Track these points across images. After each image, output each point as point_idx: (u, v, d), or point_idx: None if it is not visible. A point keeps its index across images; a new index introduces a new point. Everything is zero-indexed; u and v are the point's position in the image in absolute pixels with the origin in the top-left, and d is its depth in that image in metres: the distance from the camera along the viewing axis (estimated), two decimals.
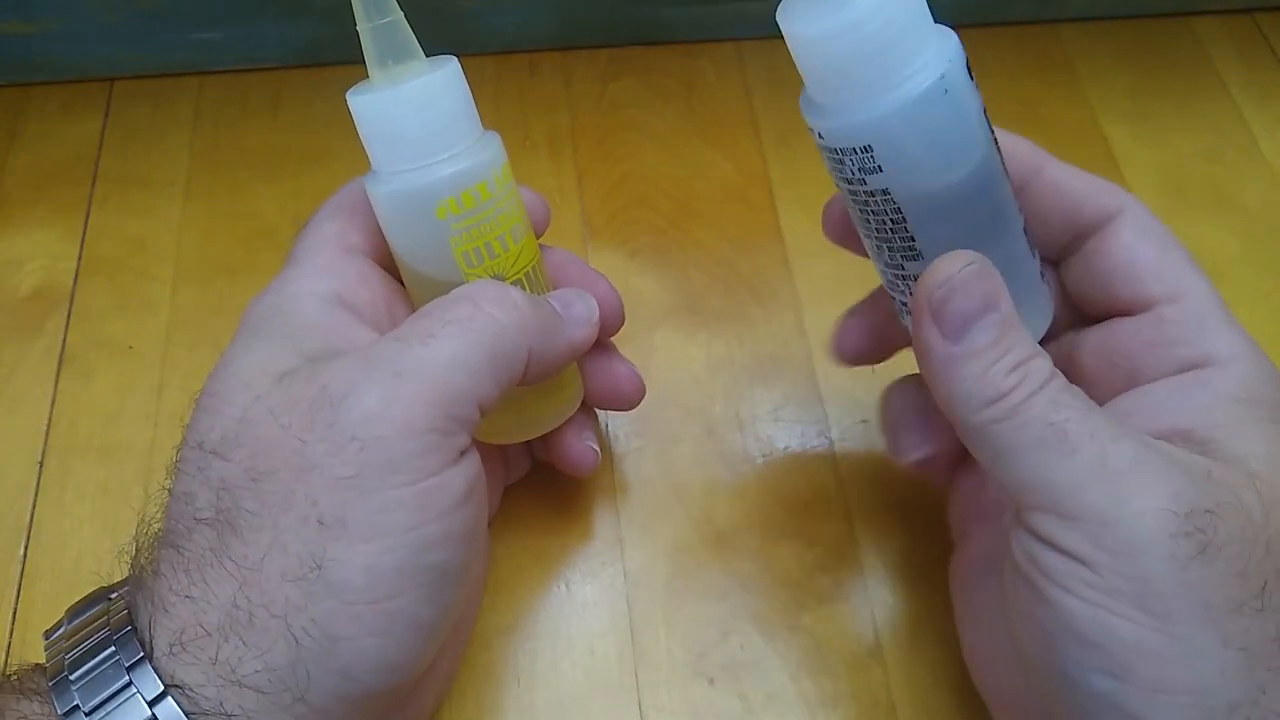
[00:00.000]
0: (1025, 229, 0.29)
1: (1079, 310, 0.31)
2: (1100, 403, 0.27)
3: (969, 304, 0.25)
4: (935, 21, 0.26)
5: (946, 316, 0.26)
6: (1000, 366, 0.25)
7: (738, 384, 0.41)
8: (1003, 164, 0.28)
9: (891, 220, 0.28)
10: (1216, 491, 0.23)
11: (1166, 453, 0.24)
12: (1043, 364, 0.25)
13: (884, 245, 0.29)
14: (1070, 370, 0.30)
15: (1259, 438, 0.25)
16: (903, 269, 0.29)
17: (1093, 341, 0.30)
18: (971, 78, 0.26)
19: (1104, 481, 0.23)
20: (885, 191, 0.27)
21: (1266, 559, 0.23)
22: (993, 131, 0.27)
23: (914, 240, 0.28)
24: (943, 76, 0.25)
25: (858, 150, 0.26)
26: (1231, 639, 0.22)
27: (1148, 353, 0.28)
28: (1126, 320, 0.29)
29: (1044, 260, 0.30)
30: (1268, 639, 0.23)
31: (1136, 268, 0.28)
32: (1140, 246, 0.29)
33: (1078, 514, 0.24)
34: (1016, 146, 0.29)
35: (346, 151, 0.47)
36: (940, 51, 0.26)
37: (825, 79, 0.27)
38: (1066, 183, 0.29)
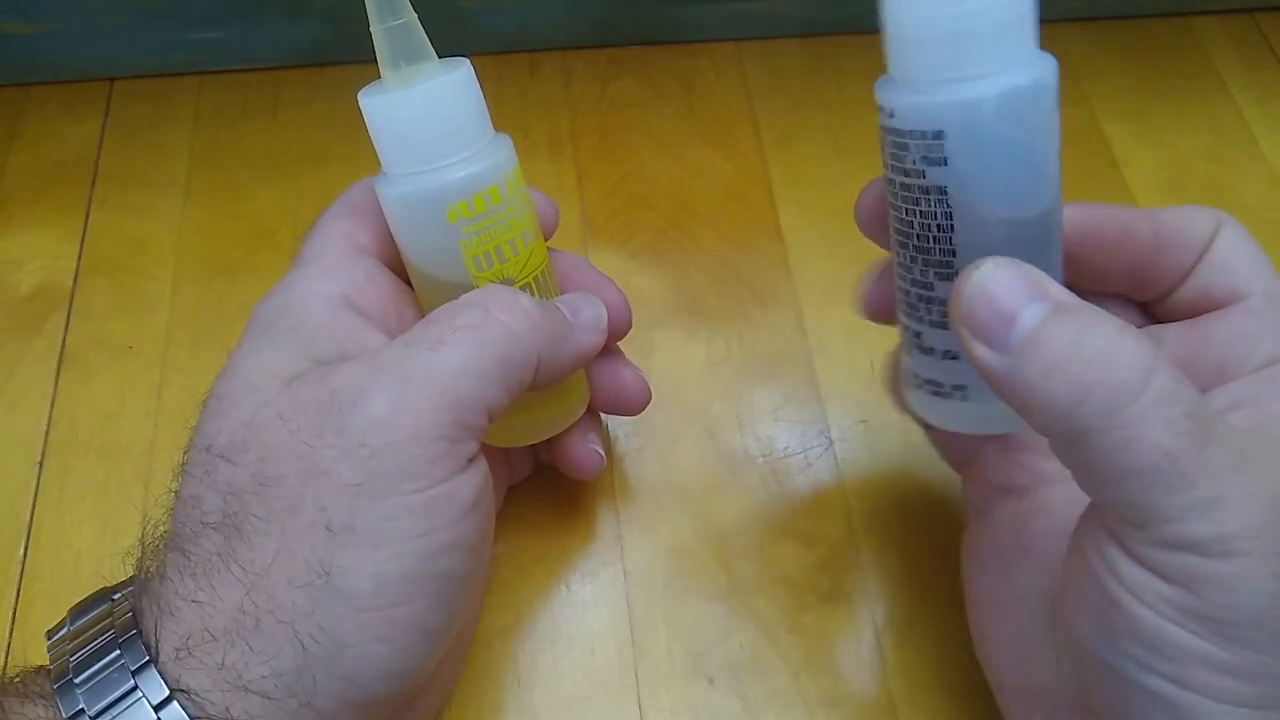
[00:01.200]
0: None
1: (1152, 313, 0.29)
2: None
3: (996, 306, 0.23)
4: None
5: (981, 324, 0.24)
6: (1070, 358, 0.22)
7: (738, 384, 0.41)
8: (1062, 216, 0.27)
9: (938, 226, 0.26)
10: None
11: (1273, 482, 0.22)
12: (1136, 353, 0.22)
13: (919, 256, 0.27)
14: None
15: None
16: (931, 289, 0.27)
17: (1177, 335, 0.28)
18: (1057, 109, 0.25)
19: (1216, 516, 0.22)
20: (943, 190, 0.25)
21: None
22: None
23: (954, 255, 0.26)
24: (1036, 81, 0.24)
25: (928, 136, 0.25)
26: None
27: (1237, 343, 0.27)
28: (1214, 314, 0.27)
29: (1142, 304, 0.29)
30: None
31: (1233, 264, 0.27)
32: (1238, 245, 0.28)
33: (1177, 544, 0.22)
34: (1136, 224, 0.28)
35: (346, 151, 0.48)
36: (1040, 60, 0.25)
37: (916, 52, 0.25)
38: (1179, 228, 0.28)
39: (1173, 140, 0.49)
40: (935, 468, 0.37)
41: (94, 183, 0.47)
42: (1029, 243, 0.26)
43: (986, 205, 0.25)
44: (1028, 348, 0.23)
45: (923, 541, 0.37)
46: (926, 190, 0.25)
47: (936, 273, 0.26)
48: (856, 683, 0.34)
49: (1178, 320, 0.28)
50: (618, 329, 0.33)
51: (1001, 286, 0.24)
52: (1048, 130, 0.25)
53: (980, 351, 0.24)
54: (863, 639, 0.35)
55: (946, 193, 0.25)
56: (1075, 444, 0.23)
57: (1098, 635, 0.24)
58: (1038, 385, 0.23)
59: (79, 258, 0.45)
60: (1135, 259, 0.28)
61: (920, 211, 0.26)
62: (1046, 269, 0.25)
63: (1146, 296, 0.29)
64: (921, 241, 0.26)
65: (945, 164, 0.25)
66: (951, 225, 0.26)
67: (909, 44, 0.25)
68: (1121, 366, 0.22)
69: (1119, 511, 0.23)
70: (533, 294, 0.30)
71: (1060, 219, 0.27)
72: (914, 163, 0.25)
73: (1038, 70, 0.24)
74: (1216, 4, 0.53)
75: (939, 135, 0.25)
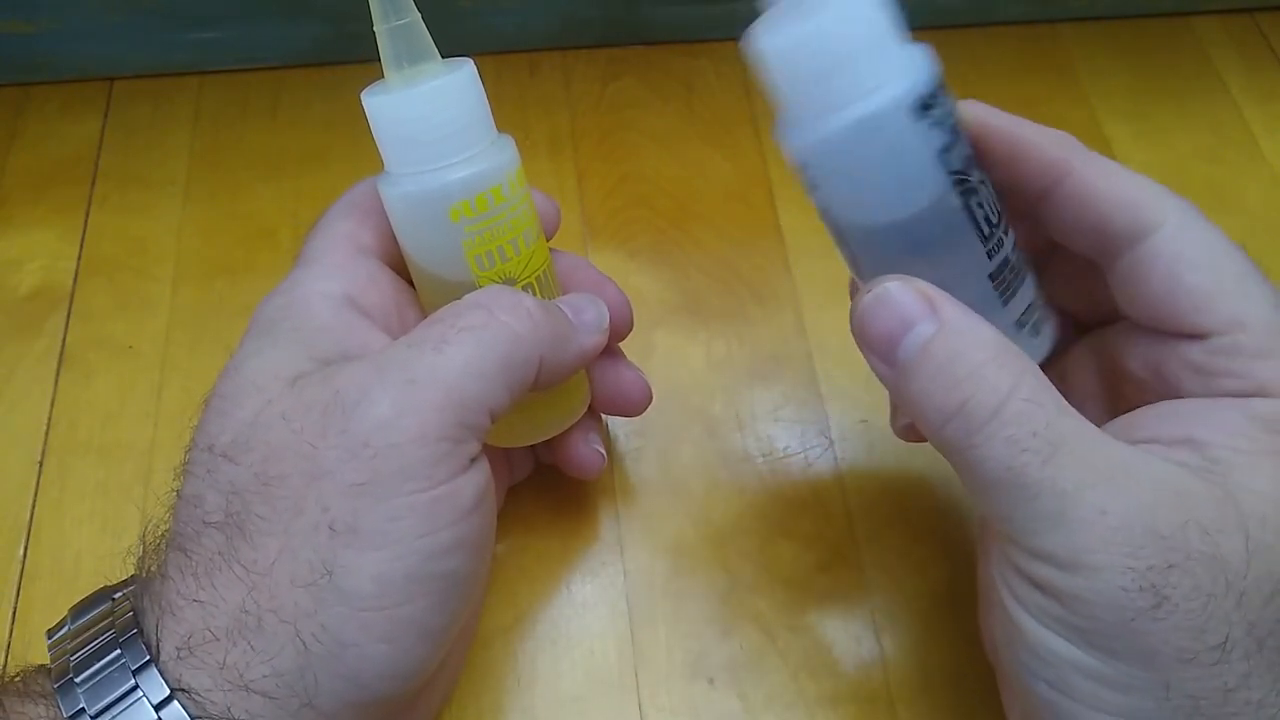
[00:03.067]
0: (1004, 266, 0.28)
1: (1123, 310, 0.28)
2: (1140, 406, 0.27)
3: (884, 325, 0.25)
4: (912, 41, 0.26)
5: (870, 341, 0.26)
6: (938, 383, 0.24)
7: (738, 384, 0.41)
8: (970, 202, 0.27)
9: (836, 237, 0.28)
10: (1189, 543, 0.22)
11: (1139, 499, 0.23)
12: (997, 379, 0.24)
13: (843, 257, 0.29)
14: (1114, 369, 0.29)
15: (1273, 474, 0.24)
16: (859, 280, 0.29)
17: (1141, 349, 0.28)
18: (932, 110, 0.26)
19: (1063, 530, 0.23)
20: (826, 210, 0.27)
21: (1237, 610, 0.22)
22: (967, 167, 0.27)
23: (857, 259, 0.28)
24: (874, 115, 0.25)
25: (798, 169, 0.27)
26: (1176, 686, 0.22)
27: (1194, 378, 0.26)
28: (1177, 339, 0.26)
29: (1092, 263, 0.29)
30: (1220, 689, 0.22)
31: (1179, 301, 0.26)
32: (1184, 276, 0.26)
33: (1035, 553, 0.23)
34: (1041, 147, 0.27)
35: (346, 151, 0.48)
36: (894, 85, 0.25)
37: (781, 94, 0.27)
38: (1093, 192, 0.27)
39: (1173, 140, 0.49)
40: (935, 467, 0.37)
41: (94, 183, 0.47)
42: (917, 239, 0.27)
43: (862, 217, 0.27)
44: (907, 368, 0.25)
45: (922, 541, 0.37)
46: (819, 209, 0.28)
47: (855, 269, 0.29)
48: (856, 683, 0.34)
49: (1142, 318, 0.27)
50: (619, 329, 0.33)
51: (891, 307, 0.25)
52: (911, 141, 0.26)
53: (872, 361, 0.26)
54: (863, 639, 0.35)
55: (829, 211, 0.27)
56: (948, 457, 0.25)
57: (1004, 644, 0.25)
58: (914, 402, 0.25)
59: (79, 258, 0.45)
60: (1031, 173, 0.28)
61: (826, 224, 0.28)
62: (942, 256, 0.27)
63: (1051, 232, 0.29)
64: (838, 246, 0.29)
65: (817, 190, 0.27)
66: (843, 237, 0.28)
67: (777, 86, 0.27)
68: (980, 392, 0.24)
69: (994, 523, 0.24)
70: (535, 294, 0.30)
71: (960, 187, 0.27)
72: (804, 186, 0.28)
73: (886, 95, 0.25)
74: (1216, 4, 0.53)
75: (803, 168, 0.27)
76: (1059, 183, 0.27)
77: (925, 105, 0.26)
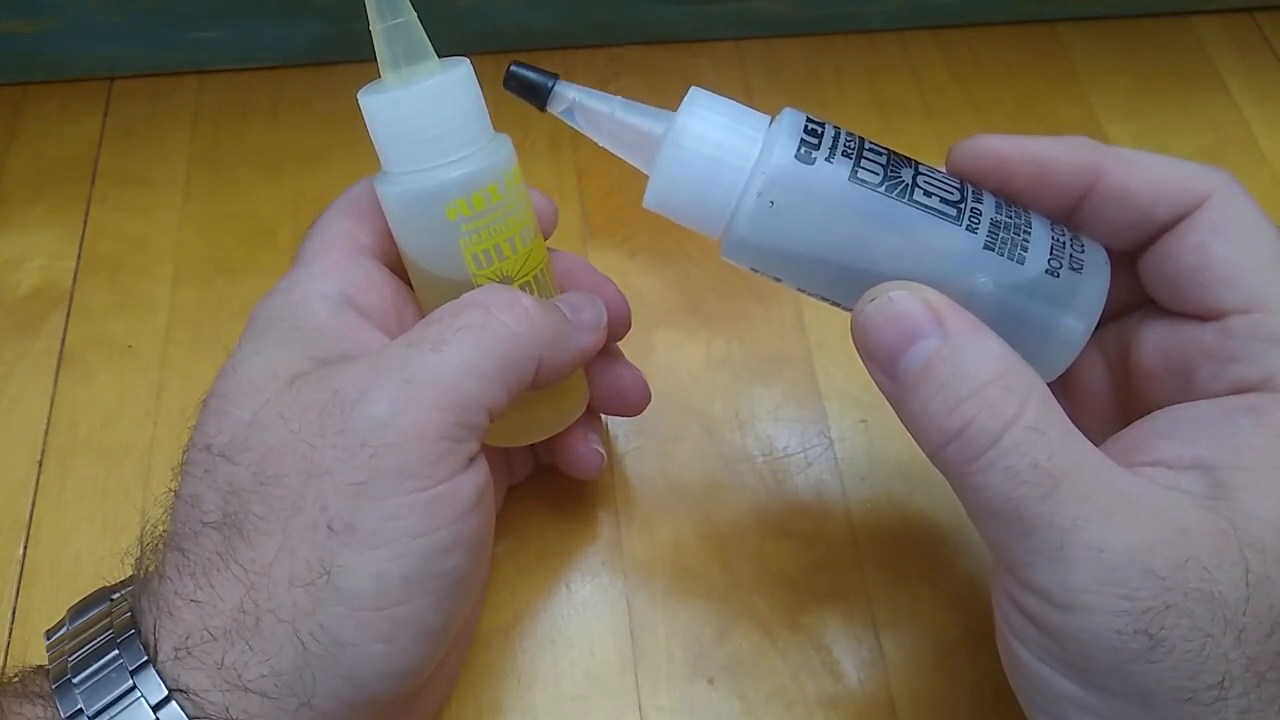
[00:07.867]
0: (996, 229, 0.26)
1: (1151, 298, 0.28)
2: (1149, 404, 0.26)
3: (886, 337, 0.24)
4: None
5: (871, 352, 0.25)
6: (939, 403, 0.23)
7: (738, 383, 0.41)
8: (913, 196, 0.26)
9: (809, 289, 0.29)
10: (1187, 581, 0.22)
11: (1138, 537, 0.22)
12: (1001, 402, 0.23)
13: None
14: (1126, 361, 0.28)
15: (1278, 492, 0.23)
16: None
17: (1155, 336, 0.27)
18: (819, 136, 0.28)
19: (1058, 567, 0.22)
20: (783, 279, 0.29)
21: (1236, 648, 0.22)
22: (887, 173, 0.27)
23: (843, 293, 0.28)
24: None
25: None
26: None
27: (1205, 364, 0.25)
28: (1193, 324, 0.26)
29: (1119, 251, 0.28)
30: None
31: (1206, 273, 0.25)
32: (1213, 248, 0.25)
33: (1030, 587, 0.23)
34: (1063, 157, 0.27)
35: (346, 151, 0.48)
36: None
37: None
38: (1131, 187, 0.26)
39: (1173, 140, 0.49)
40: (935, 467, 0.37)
41: (93, 182, 0.47)
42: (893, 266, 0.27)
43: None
44: (909, 383, 0.24)
45: (922, 540, 0.37)
46: (775, 279, 0.30)
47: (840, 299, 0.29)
48: (856, 683, 0.34)
49: (1167, 295, 0.27)
50: (617, 328, 0.33)
51: (895, 318, 0.24)
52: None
53: (873, 371, 0.25)
54: (863, 639, 0.35)
55: (788, 278, 0.29)
56: (946, 478, 0.24)
57: (1006, 668, 0.25)
58: (914, 420, 0.24)
59: (78, 257, 0.45)
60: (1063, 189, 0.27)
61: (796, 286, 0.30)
62: (924, 260, 0.26)
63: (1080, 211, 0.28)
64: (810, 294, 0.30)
65: (782, 281, 0.29)
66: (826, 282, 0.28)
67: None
68: (983, 416, 0.23)
69: (991, 551, 0.24)
70: (532, 292, 0.30)
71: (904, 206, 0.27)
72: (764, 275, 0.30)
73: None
74: (1216, 4, 0.53)
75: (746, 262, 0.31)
76: (1092, 186, 0.27)
77: (809, 130, 0.27)
